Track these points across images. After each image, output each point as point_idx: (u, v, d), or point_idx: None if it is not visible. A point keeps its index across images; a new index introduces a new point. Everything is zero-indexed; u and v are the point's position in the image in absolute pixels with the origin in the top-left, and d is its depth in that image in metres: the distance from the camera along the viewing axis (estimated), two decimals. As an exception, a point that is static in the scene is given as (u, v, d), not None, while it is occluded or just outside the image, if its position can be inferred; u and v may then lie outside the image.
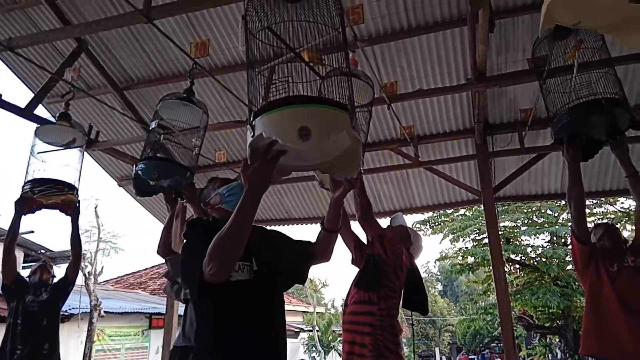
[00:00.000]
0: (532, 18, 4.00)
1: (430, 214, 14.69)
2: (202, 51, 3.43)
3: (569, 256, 11.85)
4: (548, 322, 14.44)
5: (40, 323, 3.41)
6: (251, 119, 1.43)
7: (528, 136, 4.90)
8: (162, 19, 3.77)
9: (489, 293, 14.55)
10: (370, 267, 2.71)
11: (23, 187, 3.39)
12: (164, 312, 6.20)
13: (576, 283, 11.94)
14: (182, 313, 3.24)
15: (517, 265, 14.04)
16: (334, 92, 1.55)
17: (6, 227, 3.47)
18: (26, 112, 4.15)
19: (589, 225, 2.66)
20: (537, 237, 13.28)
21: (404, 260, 2.79)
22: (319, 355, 18.77)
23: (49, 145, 3.65)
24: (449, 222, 14.80)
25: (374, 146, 5.49)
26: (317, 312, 20.01)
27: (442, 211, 14.02)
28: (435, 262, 36.97)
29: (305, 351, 19.29)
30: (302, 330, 19.15)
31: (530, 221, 13.37)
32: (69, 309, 9.33)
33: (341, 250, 2.89)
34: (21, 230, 3.49)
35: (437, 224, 15.17)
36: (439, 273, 41.69)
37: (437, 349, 32.45)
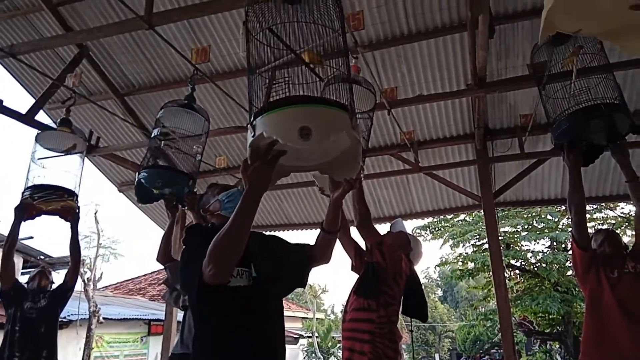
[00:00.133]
0: (531, 24, 4.02)
1: (431, 219, 14.64)
2: (203, 57, 3.44)
3: (569, 262, 11.82)
4: (548, 328, 14.38)
5: (38, 330, 3.39)
6: (252, 118, 1.43)
7: (528, 141, 4.91)
8: (164, 25, 3.79)
9: (489, 299, 14.49)
10: (369, 274, 2.70)
11: (23, 193, 3.40)
12: (163, 319, 6.17)
13: (576, 289, 11.90)
14: (181, 319, 3.22)
15: (517, 271, 13.99)
16: (335, 96, 1.56)
17: (5, 233, 3.46)
18: (27, 118, 4.15)
19: (589, 230, 2.66)
20: (537, 243, 13.27)
21: (404, 267, 2.78)
22: (318, 362, 18.70)
23: (49, 151, 3.65)
24: (449, 227, 14.77)
25: (374, 151, 5.49)
26: (316, 318, 19.94)
27: (442, 216, 13.99)
28: (435, 268, 36.87)
29: (304, 358, 19.21)
30: (301, 336, 19.08)
31: (530, 226, 13.34)
32: (68, 315, 9.30)
33: (341, 255, 2.89)
34: (21, 235, 3.48)
35: (437, 229, 15.13)
36: (439, 278, 41.57)
37: (437, 355, 32.27)
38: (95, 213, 11.97)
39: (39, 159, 3.60)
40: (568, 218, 11.56)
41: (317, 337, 19.06)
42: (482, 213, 5.28)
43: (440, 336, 34.38)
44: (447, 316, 36.38)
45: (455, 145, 5.50)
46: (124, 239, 32.82)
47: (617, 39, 1.72)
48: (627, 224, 11.53)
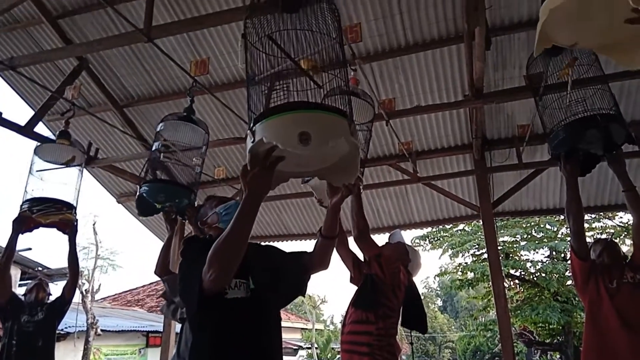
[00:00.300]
0: (527, 35, 4.06)
1: (429, 229, 14.66)
2: (202, 69, 3.46)
3: (568, 271, 11.80)
4: (548, 338, 14.30)
5: (35, 344, 3.36)
6: (251, 124, 1.45)
7: (526, 152, 4.93)
8: (163, 38, 3.81)
9: (489, 309, 14.44)
10: (367, 287, 2.69)
11: (21, 206, 3.39)
12: (162, 330, 6.12)
13: (576, 298, 11.86)
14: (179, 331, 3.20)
15: (516, 281, 13.95)
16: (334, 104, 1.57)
17: (3, 245, 3.45)
18: (26, 130, 4.16)
19: (588, 240, 2.66)
20: (537, 252, 13.26)
21: (402, 279, 2.77)
22: (318, 374, 18.53)
23: (48, 164, 3.65)
24: (448, 237, 14.76)
25: (373, 162, 5.51)
26: (316, 329, 19.80)
27: (441, 226, 13.99)
28: (434, 278, 36.76)
29: (304, 369, 19.05)
30: (300, 347, 18.92)
31: (529, 236, 13.34)
32: (66, 328, 9.23)
33: (340, 265, 2.89)
34: (18, 247, 3.46)
35: (436, 239, 15.13)
36: (438, 288, 41.35)
37: (437, 366, 32.02)
38: (94, 224, 11.97)
39: (37, 170, 3.60)
40: (567, 227, 11.54)
41: (316, 348, 18.90)
42: (481, 223, 5.29)
43: (440, 347, 34.13)
44: (447, 326, 36.16)
45: (453, 155, 5.52)
46: (123, 250, 32.68)
47: (612, 52, 1.74)
48: (625, 233, 11.54)
